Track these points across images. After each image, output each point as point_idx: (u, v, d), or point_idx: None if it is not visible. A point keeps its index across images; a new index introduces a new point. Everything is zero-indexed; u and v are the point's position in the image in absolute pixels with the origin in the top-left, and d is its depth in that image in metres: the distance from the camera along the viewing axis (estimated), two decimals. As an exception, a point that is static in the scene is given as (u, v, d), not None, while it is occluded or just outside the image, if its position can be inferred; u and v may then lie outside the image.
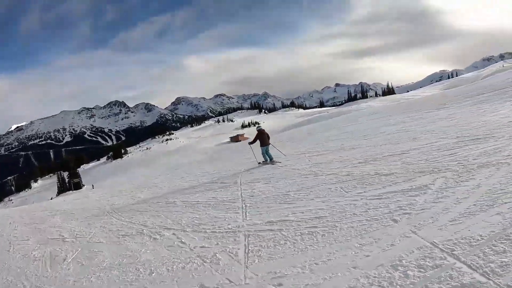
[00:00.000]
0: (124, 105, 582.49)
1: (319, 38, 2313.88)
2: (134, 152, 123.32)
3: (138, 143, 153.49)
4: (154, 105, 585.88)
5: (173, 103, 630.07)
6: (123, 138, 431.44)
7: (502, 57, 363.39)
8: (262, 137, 15.28)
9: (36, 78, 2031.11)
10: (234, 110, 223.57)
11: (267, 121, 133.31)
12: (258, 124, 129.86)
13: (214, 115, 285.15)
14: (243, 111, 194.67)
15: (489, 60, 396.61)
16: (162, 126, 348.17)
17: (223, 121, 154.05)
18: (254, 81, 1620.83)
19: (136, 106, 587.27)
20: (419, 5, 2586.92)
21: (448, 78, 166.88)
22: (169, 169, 48.67)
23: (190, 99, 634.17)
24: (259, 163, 15.38)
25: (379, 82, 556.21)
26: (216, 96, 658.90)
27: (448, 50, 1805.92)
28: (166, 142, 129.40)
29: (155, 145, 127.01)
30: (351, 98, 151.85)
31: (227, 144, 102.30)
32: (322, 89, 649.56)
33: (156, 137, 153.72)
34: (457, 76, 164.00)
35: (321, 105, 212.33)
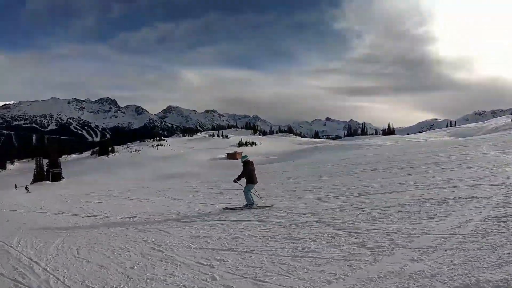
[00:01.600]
0: (115, 103, 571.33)
1: (316, 71, 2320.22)
2: (122, 152, 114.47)
3: (126, 144, 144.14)
4: (144, 109, 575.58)
5: (163, 111, 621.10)
6: (108, 136, 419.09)
7: (493, 113, 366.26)
8: (251, 171, 11.39)
9: (32, 60, 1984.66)
10: (224, 127, 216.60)
11: (264, 143, 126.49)
12: (255, 144, 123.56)
13: (202, 129, 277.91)
14: (237, 129, 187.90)
15: (480, 115, 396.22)
16: (149, 132, 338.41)
17: (218, 136, 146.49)
18: (246, 102, 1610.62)
19: (127, 107, 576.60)
20: (418, 52, 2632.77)
21: (447, 126, 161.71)
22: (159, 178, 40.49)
23: (181, 109, 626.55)
24: (224, 208, 11.48)
25: (368, 122, 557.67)
26: (207, 111, 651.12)
27: (440, 99, 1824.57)
28: (156, 147, 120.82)
29: (144, 148, 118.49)
30: (351, 133, 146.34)
31: (222, 160, 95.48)
32: (312, 121, 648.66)
33: (145, 140, 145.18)
34: (455, 125, 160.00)
35: (316, 136, 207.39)
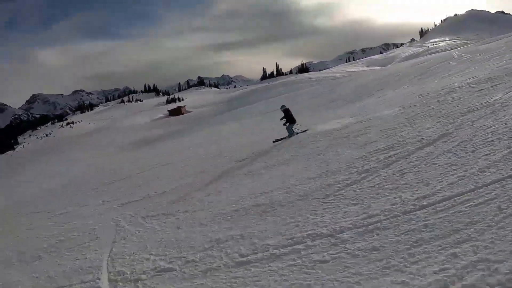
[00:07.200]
0: None
1: (178, 31, 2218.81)
2: (29, 141, 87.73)
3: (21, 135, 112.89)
4: (6, 105, 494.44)
5: (27, 102, 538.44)
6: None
7: (363, 51, 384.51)
8: (292, 115, 14.97)
9: None
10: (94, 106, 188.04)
11: (190, 98, 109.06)
12: (182, 100, 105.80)
13: (73, 112, 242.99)
14: (138, 93, 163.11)
15: (352, 53, 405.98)
16: (18, 128, 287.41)
17: (129, 101, 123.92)
18: (113, 75, 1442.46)
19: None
20: (278, 4, 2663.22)
21: (345, 66, 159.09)
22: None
23: (47, 96, 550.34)
24: (274, 141, 14.54)
25: (240, 75, 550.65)
26: (75, 92, 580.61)
27: (307, 45, 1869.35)
28: (70, 126, 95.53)
29: (54, 131, 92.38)
30: (266, 77, 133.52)
31: (168, 118, 77.95)
32: (185, 82, 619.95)
33: (38, 127, 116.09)
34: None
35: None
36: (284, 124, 14.92)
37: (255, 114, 40.86)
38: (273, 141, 14.41)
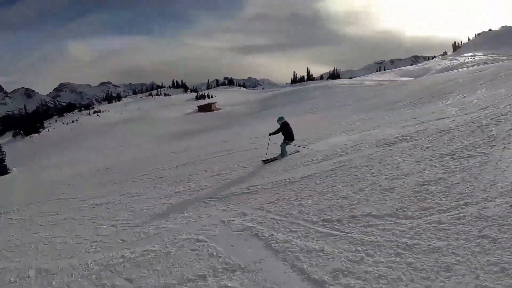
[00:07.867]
0: (1, 89, 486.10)
1: (208, 31, 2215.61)
2: (55, 126, 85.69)
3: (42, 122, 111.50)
4: (34, 91, 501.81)
5: (55, 89, 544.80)
6: (0, 127, 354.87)
7: (392, 62, 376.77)
8: (290, 130, 12.41)
9: None
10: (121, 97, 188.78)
11: (220, 96, 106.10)
12: (212, 101, 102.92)
13: (100, 103, 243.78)
14: (165, 88, 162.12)
15: (381, 64, 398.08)
16: (45, 114, 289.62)
17: (157, 95, 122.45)
18: (140, 70, 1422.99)
19: (15, 91, 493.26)
20: (307, 10, 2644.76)
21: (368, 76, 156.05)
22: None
23: (74, 85, 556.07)
24: (264, 161, 11.89)
25: (266, 78, 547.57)
26: (102, 83, 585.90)
27: (335, 52, 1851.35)
28: (97, 114, 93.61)
29: (81, 118, 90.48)
30: (296, 81, 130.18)
31: (199, 114, 75.57)
32: (211, 81, 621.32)
33: (65, 114, 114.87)
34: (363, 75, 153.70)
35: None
36: (270, 134, 12.75)
37: (307, 111, 38.02)
38: (263, 162, 11.92)
